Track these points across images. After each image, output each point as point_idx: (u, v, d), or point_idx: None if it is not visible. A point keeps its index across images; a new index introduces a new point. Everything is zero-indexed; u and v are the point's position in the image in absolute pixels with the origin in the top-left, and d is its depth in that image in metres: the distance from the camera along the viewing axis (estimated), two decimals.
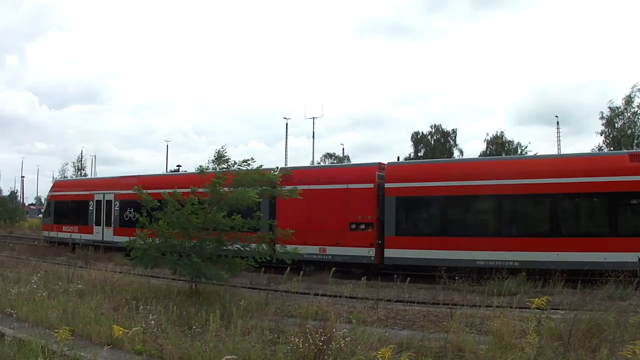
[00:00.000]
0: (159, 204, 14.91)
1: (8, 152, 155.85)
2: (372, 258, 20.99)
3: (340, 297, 14.42)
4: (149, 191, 15.86)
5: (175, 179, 26.93)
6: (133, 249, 14.57)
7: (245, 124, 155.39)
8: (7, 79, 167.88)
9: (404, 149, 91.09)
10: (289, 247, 14.76)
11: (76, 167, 72.23)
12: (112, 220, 30.40)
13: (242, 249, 14.56)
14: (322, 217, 21.99)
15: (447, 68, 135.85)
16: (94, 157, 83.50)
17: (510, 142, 65.99)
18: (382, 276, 17.35)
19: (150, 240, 14.49)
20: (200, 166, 16.31)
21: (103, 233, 30.66)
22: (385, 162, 22.72)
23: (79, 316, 10.31)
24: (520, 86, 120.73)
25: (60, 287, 13.93)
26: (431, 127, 73.70)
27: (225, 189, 14.44)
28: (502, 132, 66.84)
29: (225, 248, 14.49)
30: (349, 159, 74.17)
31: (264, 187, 14.62)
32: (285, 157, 69.67)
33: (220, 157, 15.07)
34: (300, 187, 16.43)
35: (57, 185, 38.19)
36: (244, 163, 14.71)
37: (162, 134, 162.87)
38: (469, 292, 15.20)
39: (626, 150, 26.26)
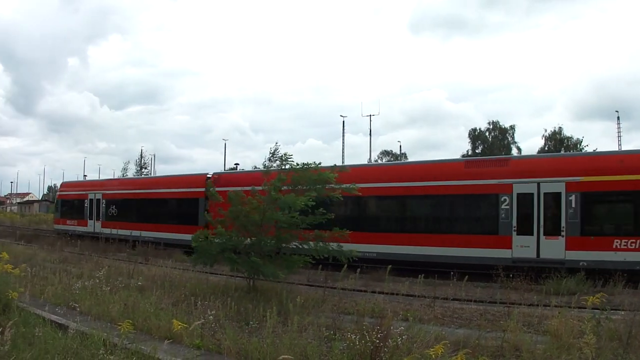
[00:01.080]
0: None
1: (71, 151, 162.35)
2: None
3: (397, 294, 14.57)
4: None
5: (147, 181, 39.95)
6: (195, 247, 15.03)
7: (303, 121, 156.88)
8: (69, 81, 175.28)
9: (462, 146, 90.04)
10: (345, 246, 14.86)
11: (138, 166, 74.28)
12: (100, 215, 36.63)
13: (300, 246, 14.76)
14: None
15: (504, 63, 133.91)
16: (153, 156, 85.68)
17: (569, 138, 64.39)
18: (439, 274, 17.32)
19: (211, 239, 14.88)
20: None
21: (94, 225, 36.75)
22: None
23: (139, 311, 10.73)
24: (580, 80, 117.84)
25: (121, 282, 14.51)
26: (489, 123, 72.92)
27: (285, 187, 14.70)
28: (560, 127, 65.33)
29: (283, 245, 14.72)
30: (406, 157, 73.84)
31: (319, 186, 14.69)
32: (342, 155, 69.91)
33: (274, 155, 15.31)
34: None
35: (63, 186, 44.96)
36: (305, 165, 14.88)
37: (220, 133, 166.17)
38: (527, 290, 15.14)
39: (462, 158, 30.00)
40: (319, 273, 17.79)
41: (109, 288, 13.21)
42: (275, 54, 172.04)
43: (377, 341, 7.10)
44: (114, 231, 33.39)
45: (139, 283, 14.62)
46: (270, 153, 15.70)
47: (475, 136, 72.38)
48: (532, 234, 19.28)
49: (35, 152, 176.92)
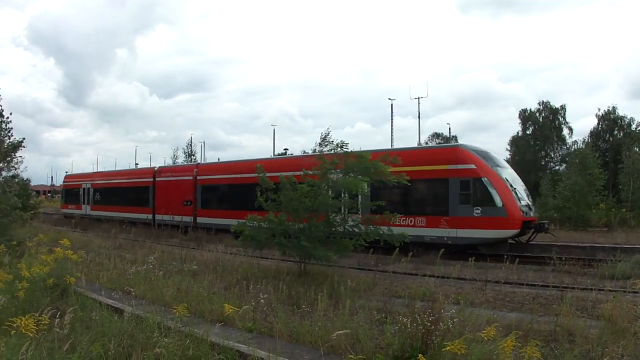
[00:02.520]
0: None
1: (122, 140, 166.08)
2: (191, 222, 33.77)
3: (448, 278, 14.66)
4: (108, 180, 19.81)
5: (114, 173, 49.60)
6: (243, 232, 15.32)
7: (351, 105, 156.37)
8: (118, 72, 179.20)
9: (512, 127, 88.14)
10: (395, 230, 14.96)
11: (186, 154, 75.36)
12: (90, 200, 47.14)
13: (350, 230, 14.91)
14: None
15: (555, 42, 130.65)
16: (203, 143, 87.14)
17: (623, 118, 62.46)
18: (490, 257, 17.49)
19: (261, 223, 15.14)
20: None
21: (86, 209, 47.18)
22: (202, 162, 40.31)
23: (192, 295, 11.07)
24: (635, 57, 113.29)
25: (174, 267, 14.99)
26: (539, 104, 71.02)
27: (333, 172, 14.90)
28: (614, 107, 63.31)
29: (333, 230, 14.89)
30: (456, 139, 72.80)
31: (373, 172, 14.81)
32: (391, 138, 69.24)
33: (325, 140, 15.64)
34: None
35: (66, 177, 56.42)
36: (353, 152, 15.09)
37: (269, 119, 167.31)
38: (580, 274, 14.99)
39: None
40: (370, 257, 17.92)
41: (162, 273, 13.65)
42: (322, 38, 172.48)
43: (429, 324, 7.18)
44: (101, 213, 44.00)
45: (192, 267, 15.05)
46: (321, 138, 16.00)
47: (526, 117, 70.79)
48: None
49: (88, 143, 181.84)
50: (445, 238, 21.93)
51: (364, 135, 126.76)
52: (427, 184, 23.09)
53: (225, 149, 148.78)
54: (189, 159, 73.06)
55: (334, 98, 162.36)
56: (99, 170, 58.52)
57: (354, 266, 17.23)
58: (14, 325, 6.60)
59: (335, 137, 61.16)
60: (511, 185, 22.07)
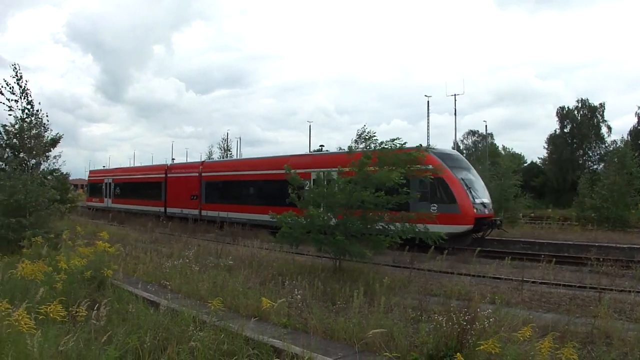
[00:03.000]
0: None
1: (159, 136, 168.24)
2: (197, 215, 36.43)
3: (483, 277, 14.59)
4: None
5: (131, 169, 56.53)
6: (279, 228, 15.42)
7: (387, 102, 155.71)
8: (155, 68, 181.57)
9: (550, 125, 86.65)
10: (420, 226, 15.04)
11: (222, 149, 75.90)
12: (111, 194, 50.94)
13: (386, 227, 14.94)
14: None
15: (595, 37, 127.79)
16: (239, 139, 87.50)
17: None
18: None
19: (297, 219, 15.21)
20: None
21: (108, 202, 50.84)
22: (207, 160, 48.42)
23: (227, 289, 11.21)
24: None
25: (210, 262, 15.17)
26: (577, 101, 69.96)
27: (371, 168, 14.92)
28: None
29: (369, 226, 14.90)
30: (492, 137, 72.14)
31: (408, 167, 14.87)
32: (428, 136, 68.66)
33: (361, 137, 15.67)
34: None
35: (90, 173, 61.19)
36: (390, 142, 15.07)
37: (305, 115, 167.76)
38: (618, 276, 14.80)
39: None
40: (405, 254, 17.90)
41: (198, 267, 13.85)
42: (359, 33, 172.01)
43: (464, 323, 7.17)
44: (121, 206, 47.53)
45: (228, 262, 15.21)
46: (357, 135, 16.07)
47: (563, 115, 69.79)
48: None
49: (125, 137, 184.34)
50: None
51: (400, 132, 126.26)
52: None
53: (262, 145, 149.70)
54: (225, 155, 73.66)
55: (370, 94, 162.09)
56: (118, 167, 62.28)
57: (390, 263, 17.23)
58: (42, 311, 6.81)
59: (369, 130, 61.37)
60: (466, 185, 24.22)
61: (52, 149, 19.72)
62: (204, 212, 36.47)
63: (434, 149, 24.80)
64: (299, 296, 10.40)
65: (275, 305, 8.27)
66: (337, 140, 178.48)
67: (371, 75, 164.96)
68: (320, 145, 54.61)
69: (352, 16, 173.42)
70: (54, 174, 20.86)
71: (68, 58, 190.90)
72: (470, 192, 24.35)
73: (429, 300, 10.78)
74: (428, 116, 68.75)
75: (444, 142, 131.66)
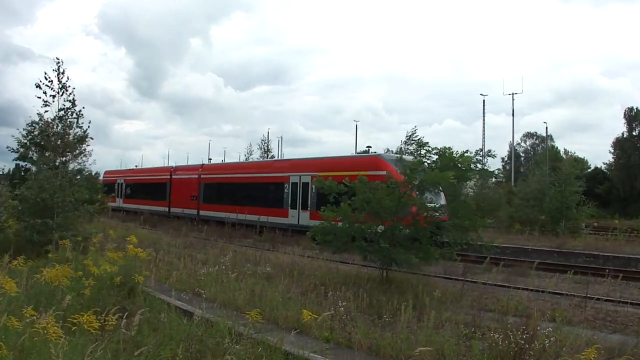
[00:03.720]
0: None
1: (195, 134, 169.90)
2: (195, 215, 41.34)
3: (543, 291, 14.35)
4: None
5: (138, 171, 61.46)
6: (321, 234, 15.42)
7: (440, 100, 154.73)
8: (192, 62, 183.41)
9: (617, 127, 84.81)
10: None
11: (262, 149, 76.30)
12: (122, 194, 55.96)
13: (437, 235, 14.81)
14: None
15: None
16: (280, 139, 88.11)
17: None
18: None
19: (340, 225, 15.20)
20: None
21: (119, 202, 55.30)
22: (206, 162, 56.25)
23: (266, 300, 11.26)
24: None
25: (247, 269, 15.26)
26: None
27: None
28: None
29: (421, 234, 14.80)
30: (552, 139, 71.13)
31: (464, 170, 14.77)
32: (483, 137, 68.03)
33: (411, 139, 15.65)
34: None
35: (105, 173, 64.68)
36: (446, 151, 15.02)
37: (351, 113, 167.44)
38: None
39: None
40: (457, 265, 17.73)
41: (234, 275, 13.93)
42: (409, 27, 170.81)
43: (522, 342, 7.04)
44: (131, 206, 52.34)
45: (267, 270, 15.26)
46: (407, 136, 16.03)
47: (632, 116, 68.23)
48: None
49: (159, 135, 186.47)
50: None
51: (453, 134, 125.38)
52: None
53: (305, 145, 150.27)
54: (265, 155, 74.10)
55: (422, 92, 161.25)
56: (129, 168, 68.50)
57: (440, 274, 17.10)
58: (76, 322, 6.84)
59: (422, 135, 60.94)
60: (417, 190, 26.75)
61: (80, 146, 19.95)
62: (201, 212, 41.27)
63: (388, 155, 28.45)
64: (342, 308, 10.37)
65: (319, 319, 8.22)
66: (385, 141, 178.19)
67: (422, 71, 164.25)
68: (367, 147, 54.69)
69: (403, 8, 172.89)
70: (83, 173, 21.13)
71: (100, 51, 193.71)
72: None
73: (483, 316, 10.68)
74: (483, 116, 68.27)
75: (500, 145, 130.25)
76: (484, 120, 71.15)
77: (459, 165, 14.53)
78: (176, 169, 49.42)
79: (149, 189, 51.06)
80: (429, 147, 15.58)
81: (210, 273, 14.28)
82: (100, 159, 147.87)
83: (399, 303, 10.48)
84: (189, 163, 73.61)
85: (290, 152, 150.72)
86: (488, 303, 12.69)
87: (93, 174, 28.34)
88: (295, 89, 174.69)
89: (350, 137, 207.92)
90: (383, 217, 14.93)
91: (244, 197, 37.45)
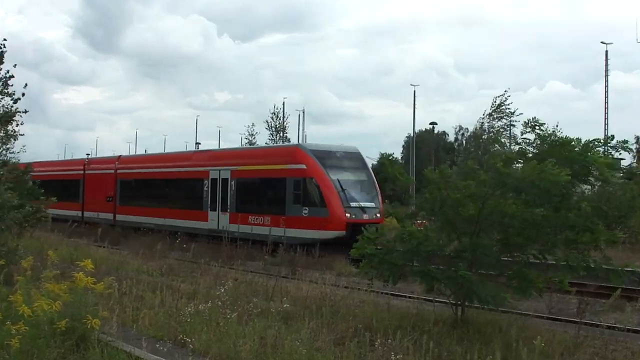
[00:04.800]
0: None
1: (177, 107, 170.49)
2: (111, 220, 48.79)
3: None
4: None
5: (55, 163, 70.01)
6: (365, 255, 15.41)
7: (539, 54, 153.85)
8: (168, 1, 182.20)
9: None
10: None
11: (273, 128, 76.23)
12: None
13: (540, 256, 14.70)
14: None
15: None
16: (301, 113, 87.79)
17: None
18: None
19: (392, 242, 15.16)
20: None
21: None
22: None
23: (283, 351, 11.30)
24: None
25: (255, 305, 15.24)
26: None
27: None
28: None
29: (516, 254, 14.74)
30: None
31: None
32: (605, 108, 66.38)
33: (500, 110, 15.47)
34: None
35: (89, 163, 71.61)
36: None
37: (406, 74, 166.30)
38: None
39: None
40: (569, 299, 17.62)
41: (236, 314, 13.94)
42: None
43: None
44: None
45: (284, 307, 15.26)
46: (492, 107, 15.85)
47: None
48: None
49: (123, 109, 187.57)
50: (282, 237, 33.42)
51: (559, 101, 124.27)
52: (271, 183, 37.40)
53: (337, 122, 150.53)
54: (277, 138, 74.25)
55: (512, 42, 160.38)
56: (39, 160, 70.79)
57: (543, 313, 17.00)
58: None
59: (514, 103, 58.59)
60: (341, 187, 33.98)
61: (6, 126, 19.97)
62: (118, 217, 48.15)
63: (310, 145, 35.26)
64: None
65: None
66: (457, 114, 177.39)
67: (513, 10, 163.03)
68: (432, 123, 54.81)
69: None
70: (9, 165, 21.11)
71: None
72: (346, 194, 33.82)
73: None
74: (606, 75, 66.95)
75: (634, 118, 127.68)
76: (606, 81, 69.42)
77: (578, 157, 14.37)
78: (90, 162, 57.20)
79: (60, 188, 53.29)
80: (538, 122, 15.22)
81: (199, 312, 14.30)
82: (33, 144, 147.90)
83: (482, 357, 10.45)
84: (168, 151, 76.39)
85: (317, 132, 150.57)
86: (618, 358, 12.59)
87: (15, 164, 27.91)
88: (322, 38, 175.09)
89: (405, 109, 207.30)
90: (460, 229, 14.90)
91: (163, 197, 44.89)
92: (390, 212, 15.87)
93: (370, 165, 40.57)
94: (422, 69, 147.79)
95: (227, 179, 38.47)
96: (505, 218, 14.22)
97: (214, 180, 39.54)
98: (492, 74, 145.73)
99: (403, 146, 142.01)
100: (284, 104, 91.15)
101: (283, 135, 75.91)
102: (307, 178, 33.50)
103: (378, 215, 34.67)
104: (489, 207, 14.24)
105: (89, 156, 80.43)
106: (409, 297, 17.97)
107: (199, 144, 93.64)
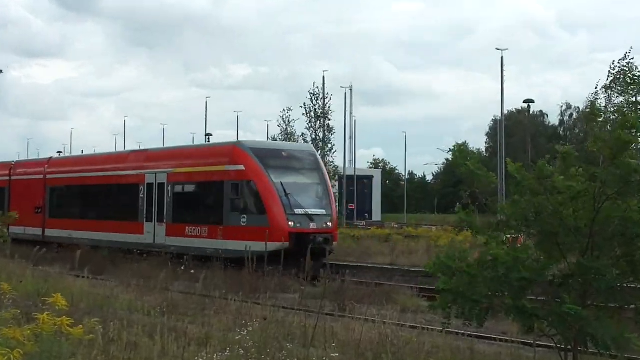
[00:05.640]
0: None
1: (178, 85, 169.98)
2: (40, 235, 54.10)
3: None
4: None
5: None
6: (443, 289, 15.31)
7: None
8: None
9: None
10: None
11: (310, 110, 76.44)
12: None
13: None
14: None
15: None
16: (348, 90, 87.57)
17: None
18: None
19: (474, 267, 15.03)
20: None
21: None
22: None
23: None
24: None
25: (289, 354, 15.28)
26: None
27: None
28: None
29: None
30: None
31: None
32: None
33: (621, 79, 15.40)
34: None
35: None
36: None
37: (489, 35, 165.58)
38: None
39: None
40: None
41: None
42: None
43: None
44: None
45: (331, 356, 15.30)
46: (611, 75, 15.75)
47: None
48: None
49: (105, 90, 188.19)
50: (220, 251, 38.35)
51: None
52: (209, 188, 41.62)
53: (397, 101, 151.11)
54: (317, 126, 74.37)
55: None
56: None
57: None
58: None
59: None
60: (285, 191, 37.98)
61: None
62: (48, 232, 53.10)
63: (250, 143, 38.93)
64: None
65: None
66: (563, 85, 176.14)
67: None
68: (526, 101, 55.07)
69: None
70: None
71: None
72: (290, 199, 37.89)
73: None
74: None
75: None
76: None
77: None
78: (17, 165, 62.36)
79: None
80: None
81: None
82: None
83: None
84: (166, 145, 77.95)
85: (369, 116, 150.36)
86: None
87: None
88: None
89: (489, 83, 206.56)
90: (565, 245, 14.79)
91: (97, 207, 50.12)
92: (463, 221, 15.45)
93: (324, 168, 44.84)
94: (513, 27, 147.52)
95: (164, 183, 41.58)
96: (629, 228, 14.15)
97: (150, 186, 42.80)
98: (607, 30, 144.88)
99: (488, 133, 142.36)
100: (323, 79, 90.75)
101: (324, 122, 75.72)
102: (245, 181, 37.47)
103: (329, 224, 39.36)
104: (605, 212, 14.16)
105: (61, 154, 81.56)
106: (500, 340, 17.99)
107: (210, 135, 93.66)
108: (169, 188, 40.65)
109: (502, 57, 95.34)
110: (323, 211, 38.93)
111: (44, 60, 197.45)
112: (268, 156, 38.08)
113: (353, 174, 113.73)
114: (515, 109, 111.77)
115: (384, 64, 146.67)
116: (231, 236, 38.34)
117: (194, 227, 40.79)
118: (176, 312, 22.73)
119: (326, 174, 42.91)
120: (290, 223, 36.28)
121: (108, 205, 47.00)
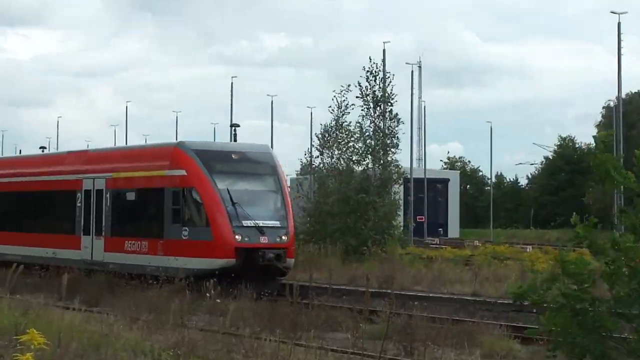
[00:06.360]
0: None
1: (196, 62, 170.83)
2: None
3: None
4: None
5: None
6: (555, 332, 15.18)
7: None
8: None
9: None
10: None
11: (368, 96, 76.96)
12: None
13: None
14: None
15: None
16: (416, 67, 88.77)
17: None
18: None
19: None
20: None
21: None
22: None
23: None
24: None
25: None
26: None
27: None
28: None
29: None
30: None
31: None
32: None
33: None
34: None
35: None
36: None
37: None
38: None
39: None
40: None
41: None
42: None
43: None
44: None
45: None
46: None
47: None
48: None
49: (100, 68, 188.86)
50: (161, 269, 41.53)
51: None
52: (149, 195, 43.89)
53: (479, 81, 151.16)
54: (375, 113, 74.60)
55: None
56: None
57: None
58: None
59: None
60: (231, 199, 40.94)
61: None
62: None
63: (195, 144, 40.20)
64: None
65: None
66: None
67: None
68: None
69: None
70: None
71: None
72: (237, 209, 40.83)
73: None
74: None
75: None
76: None
77: None
78: None
79: None
80: None
81: None
82: None
83: None
84: (186, 136, 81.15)
85: (444, 100, 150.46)
86: None
87: None
88: None
89: (602, 58, 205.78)
90: None
91: (32, 218, 50.42)
92: (580, 236, 14.70)
93: (282, 171, 46.54)
94: None
95: (102, 190, 43.25)
96: None
97: (87, 193, 44.43)
98: None
99: (600, 122, 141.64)
100: (384, 52, 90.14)
101: (383, 108, 75.46)
102: (186, 188, 39.66)
103: (284, 237, 42.26)
104: None
105: (44, 150, 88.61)
106: None
107: (237, 126, 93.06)
108: (108, 196, 42.53)
109: (619, 23, 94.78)
110: (277, 223, 41.40)
111: (23, 29, 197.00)
112: (214, 159, 40.19)
113: (423, 176, 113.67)
114: (638, 90, 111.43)
115: (463, 34, 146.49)
116: (172, 252, 41.27)
117: (133, 242, 43.43)
118: (194, 354, 22.85)
119: (284, 179, 45.44)
120: (237, 237, 38.89)
121: (42, 215, 48.52)
